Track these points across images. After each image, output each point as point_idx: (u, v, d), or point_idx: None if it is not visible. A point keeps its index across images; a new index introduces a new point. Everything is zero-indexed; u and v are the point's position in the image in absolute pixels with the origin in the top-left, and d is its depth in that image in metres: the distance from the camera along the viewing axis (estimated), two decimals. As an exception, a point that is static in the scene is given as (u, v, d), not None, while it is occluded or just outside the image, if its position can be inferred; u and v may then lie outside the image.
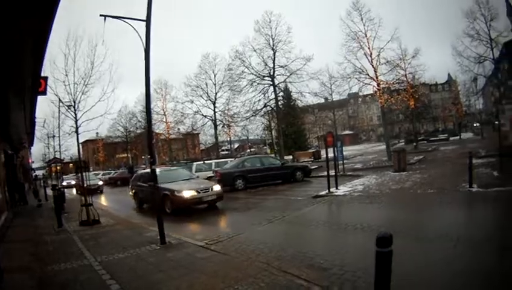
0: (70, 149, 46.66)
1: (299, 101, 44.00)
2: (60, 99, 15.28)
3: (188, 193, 14.75)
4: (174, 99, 51.90)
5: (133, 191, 19.16)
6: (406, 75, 33.53)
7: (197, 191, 15.00)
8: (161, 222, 9.53)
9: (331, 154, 18.37)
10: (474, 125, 74.66)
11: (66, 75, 14.39)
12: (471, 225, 8.91)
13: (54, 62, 14.50)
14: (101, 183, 34.97)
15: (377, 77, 29.91)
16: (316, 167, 29.62)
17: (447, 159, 26.11)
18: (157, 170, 13.58)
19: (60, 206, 14.84)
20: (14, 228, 14.84)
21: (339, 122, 57.58)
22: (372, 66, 29.95)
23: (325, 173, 17.22)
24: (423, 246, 7.21)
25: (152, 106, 49.72)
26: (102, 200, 26.90)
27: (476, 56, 30.69)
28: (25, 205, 24.40)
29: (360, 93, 45.13)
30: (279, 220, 11.75)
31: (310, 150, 53.21)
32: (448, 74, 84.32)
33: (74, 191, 28.39)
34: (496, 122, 21.41)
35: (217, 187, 16.06)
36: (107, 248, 9.75)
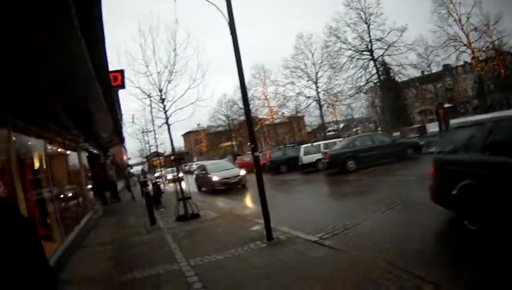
0: (167, 142, 48.46)
1: (401, 74, 46.27)
2: (148, 95, 14.82)
3: None
4: (274, 83, 55.23)
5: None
6: (493, 42, 34.65)
7: None
8: (267, 214, 8.38)
9: (435, 129, 17.47)
10: None
11: (147, 66, 13.88)
12: None
13: (130, 55, 14.06)
14: (242, 173, 23.45)
15: (470, 44, 32.09)
16: (423, 142, 27.20)
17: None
18: None
19: (151, 203, 14.33)
20: (99, 229, 14.77)
21: (435, 98, 55.30)
22: (464, 32, 32.74)
23: (433, 150, 15.58)
24: None
25: (252, 91, 54.19)
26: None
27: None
28: (118, 203, 25.37)
29: (455, 64, 47.25)
30: (398, 205, 10.36)
31: (414, 126, 50.83)
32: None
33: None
34: None
35: None
36: (204, 247, 8.84)
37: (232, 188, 22.03)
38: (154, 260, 8.29)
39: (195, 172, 28.08)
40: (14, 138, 7.69)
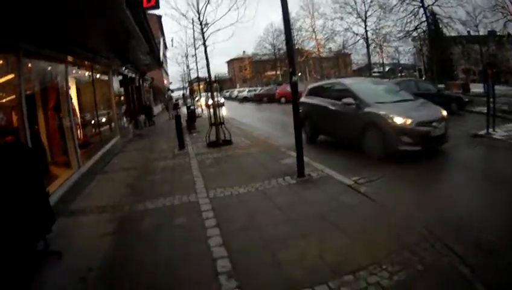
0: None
1: (449, 27, 46.22)
2: (191, 19, 14.51)
3: None
4: (323, 16, 55.40)
5: None
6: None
7: None
8: (300, 147, 7.99)
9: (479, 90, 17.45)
10: None
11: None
12: None
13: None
14: (444, 113, 10.63)
15: (515, 14, 28.53)
16: (467, 100, 25.84)
17: None
18: None
19: (180, 126, 14.24)
20: (125, 153, 14.75)
21: (479, 60, 54.87)
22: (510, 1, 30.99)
23: (477, 109, 18.19)
24: None
25: (300, 23, 55.24)
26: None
27: None
28: (152, 126, 26.05)
29: (501, 32, 48.25)
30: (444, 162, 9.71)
31: (458, 81, 48.68)
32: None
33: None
34: None
35: None
36: (229, 177, 8.67)
37: (430, 146, 9.88)
38: (172, 189, 8.17)
39: (305, 100, 13.49)
40: (29, 65, 7.45)
